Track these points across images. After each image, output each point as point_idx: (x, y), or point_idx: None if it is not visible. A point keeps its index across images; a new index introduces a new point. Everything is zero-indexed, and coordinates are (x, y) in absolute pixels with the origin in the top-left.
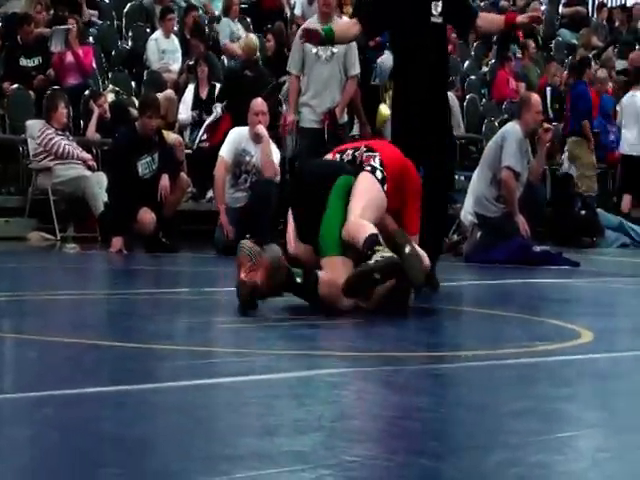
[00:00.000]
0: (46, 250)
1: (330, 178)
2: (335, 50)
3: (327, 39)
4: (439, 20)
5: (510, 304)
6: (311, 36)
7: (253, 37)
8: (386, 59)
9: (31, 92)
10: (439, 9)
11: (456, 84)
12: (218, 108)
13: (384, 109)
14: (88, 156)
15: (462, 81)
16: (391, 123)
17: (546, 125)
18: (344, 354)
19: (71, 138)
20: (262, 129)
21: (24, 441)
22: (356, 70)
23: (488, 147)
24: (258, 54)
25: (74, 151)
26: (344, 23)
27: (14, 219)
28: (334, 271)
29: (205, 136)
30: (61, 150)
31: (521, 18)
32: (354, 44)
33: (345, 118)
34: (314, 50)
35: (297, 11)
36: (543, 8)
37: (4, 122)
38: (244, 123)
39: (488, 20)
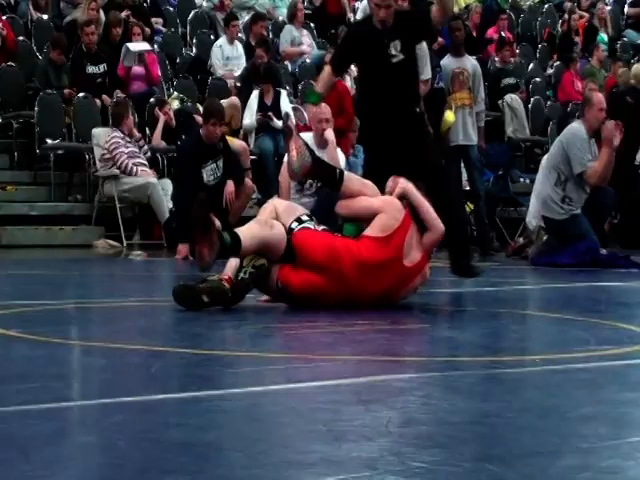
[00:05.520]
0: (112, 257)
1: None
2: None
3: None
4: (400, 57)
5: (577, 307)
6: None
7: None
8: (448, 62)
9: (97, 100)
10: (398, 48)
11: (521, 86)
12: None
13: (449, 115)
14: (149, 172)
15: (527, 83)
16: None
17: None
18: (410, 359)
19: (145, 147)
20: (330, 133)
21: (93, 448)
22: (428, 74)
23: (553, 147)
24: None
25: (132, 167)
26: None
27: (81, 227)
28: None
29: None
30: (119, 162)
31: None
32: (425, 48)
33: None
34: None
35: (359, 16)
36: (608, 9)
37: (70, 130)
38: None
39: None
